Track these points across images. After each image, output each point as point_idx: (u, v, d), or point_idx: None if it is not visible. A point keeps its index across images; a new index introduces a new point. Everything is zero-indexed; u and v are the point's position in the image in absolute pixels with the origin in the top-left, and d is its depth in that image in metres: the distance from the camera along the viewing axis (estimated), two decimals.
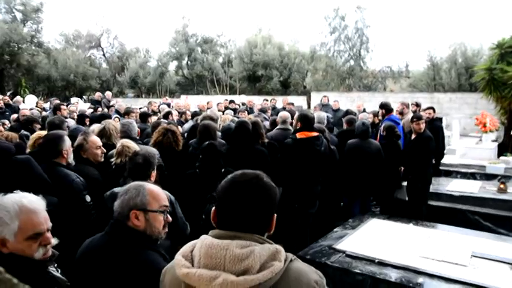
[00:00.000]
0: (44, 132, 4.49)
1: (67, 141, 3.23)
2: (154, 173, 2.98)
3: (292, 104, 11.15)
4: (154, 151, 3.28)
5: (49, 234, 1.65)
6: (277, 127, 5.36)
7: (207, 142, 3.84)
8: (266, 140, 4.84)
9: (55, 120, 4.76)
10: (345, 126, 6.59)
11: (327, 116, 6.80)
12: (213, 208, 1.34)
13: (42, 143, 3.33)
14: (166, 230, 1.93)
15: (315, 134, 4.54)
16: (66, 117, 6.86)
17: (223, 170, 3.63)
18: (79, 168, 3.30)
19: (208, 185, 3.38)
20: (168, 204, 1.95)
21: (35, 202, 1.64)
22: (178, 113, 8.35)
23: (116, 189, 2.80)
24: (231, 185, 1.30)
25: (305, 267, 1.27)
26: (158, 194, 1.92)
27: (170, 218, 1.94)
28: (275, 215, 1.33)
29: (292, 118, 5.42)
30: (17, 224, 1.56)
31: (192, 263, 1.22)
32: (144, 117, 6.89)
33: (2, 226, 1.55)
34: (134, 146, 3.67)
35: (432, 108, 7.71)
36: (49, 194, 2.54)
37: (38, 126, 5.58)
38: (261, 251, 1.17)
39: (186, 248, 1.28)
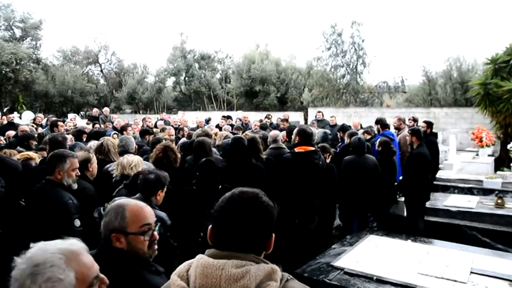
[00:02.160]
0: (32, 153, 4.44)
1: (66, 164, 3.06)
2: (162, 194, 2.99)
3: (287, 120, 10.76)
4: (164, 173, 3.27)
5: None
6: (270, 146, 5.37)
7: (204, 159, 3.83)
8: (264, 156, 4.85)
9: (58, 137, 4.37)
10: (347, 141, 6.49)
11: (326, 132, 6.77)
12: (210, 226, 1.32)
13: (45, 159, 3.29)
14: (155, 247, 1.87)
15: (313, 148, 4.61)
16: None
17: (220, 186, 3.63)
18: (84, 185, 3.28)
19: (205, 202, 3.37)
20: (152, 221, 1.87)
21: (75, 243, 1.33)
22: (175, 129, 8.34)
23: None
24: (228, 203, 1.29)
25: (301, 287, 1.25)
26: (140, 212, 1.84)
27: (157, 236, 1.87)
28: (273, 235, 1.32)
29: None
30: (72, 274, 1.22)
31: (187, 283, 1.21)
32: (143, 134, 7.03)
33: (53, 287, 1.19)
34: (136, 161, 3.67)
35: (426, 122, 7.69)
36: None
37: (34, 143, 5.53)
38: (257, 271, 1.16)
39: (182, 268, 1.27)
